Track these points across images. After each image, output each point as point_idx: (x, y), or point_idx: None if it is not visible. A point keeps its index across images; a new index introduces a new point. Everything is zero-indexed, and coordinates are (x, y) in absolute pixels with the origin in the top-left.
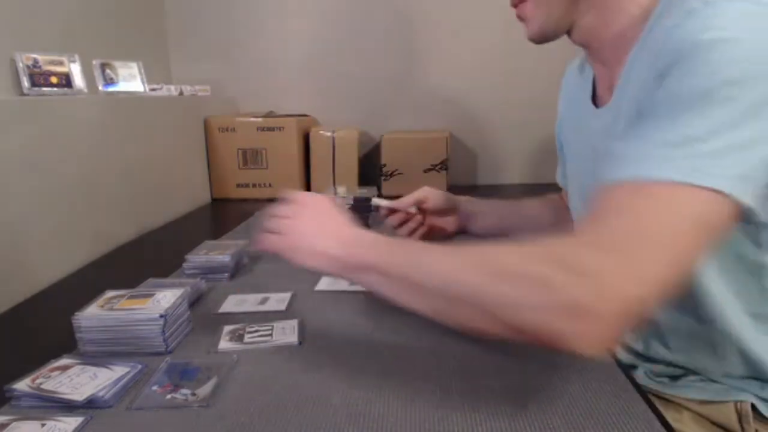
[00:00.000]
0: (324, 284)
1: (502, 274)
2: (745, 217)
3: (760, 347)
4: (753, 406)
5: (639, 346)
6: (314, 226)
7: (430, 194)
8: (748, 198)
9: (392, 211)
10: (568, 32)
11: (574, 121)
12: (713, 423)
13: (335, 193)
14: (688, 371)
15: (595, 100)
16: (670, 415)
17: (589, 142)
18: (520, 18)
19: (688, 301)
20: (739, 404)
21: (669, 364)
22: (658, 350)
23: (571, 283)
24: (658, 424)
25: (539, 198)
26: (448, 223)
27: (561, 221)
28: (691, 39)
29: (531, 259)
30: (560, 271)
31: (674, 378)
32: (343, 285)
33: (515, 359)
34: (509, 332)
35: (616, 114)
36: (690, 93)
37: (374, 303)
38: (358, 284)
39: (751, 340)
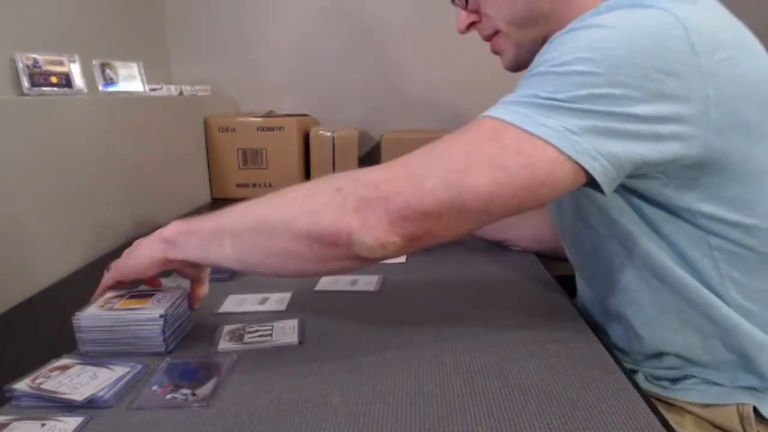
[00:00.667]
0: (324, 284)
1: (305, 195)
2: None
3: (730, 312)
4: (755, 409)
5: (621, 342)
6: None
7: None
8: (570, 150)
9: None
10: None
11: None
12: (715, 426)
13: None
14: (685, 365)
15: None
16: (672, 419)
17: None
18: (494, 52)
19: (639, 266)
20: (740, 407)
21: (654, 356)
22: (633, 343)
23: (358, 188)
24: (658, 425)
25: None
26: None
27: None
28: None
29: (331, 179)
30: (352, 182)
31: (674, 381)
32: (343, 285)
33: (515, 359)
34: (310, 245)
35: None
36: (547, 60)
37: (374, 303)
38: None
39: (719, 306)
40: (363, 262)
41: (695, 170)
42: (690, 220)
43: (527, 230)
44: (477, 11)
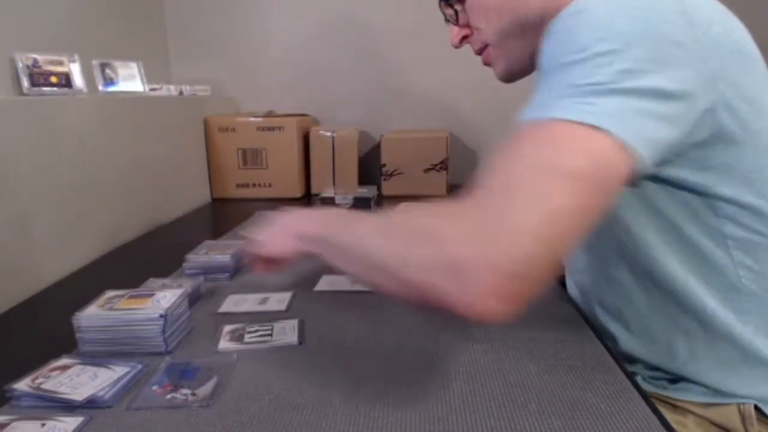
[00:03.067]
0: (324, 284)
1: (396, 232)
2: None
3: (727, 321)
4: (756, 408)
5: (611, 342)
6: (282, 220)
7: None
8: (625, 135)
9: None
10: (533, 69)
11: None
12: (716, 425)
13: (335, 193)
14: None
15: None
16: (674, 419)
17: None
18: (486, 64)
19: (640, 269)
20: (742, 406)
21: (639, 361)
22: (627, 343)
23: (455, 243)
24: (658, 425)
25: None
26: None
27: None
28: (558, 19)
29: (420, 217)
30: (445, 227)
31: (673, 381)
32: (343, 285)
33: (515, 359)
34: (406, 291)
35: None
36: (561, 56)
37: (374, 303)
38: (324, 258)
39: (716, 315)
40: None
41: (708, 148)
42: (705, 207)
43: None
44: (467, 25)
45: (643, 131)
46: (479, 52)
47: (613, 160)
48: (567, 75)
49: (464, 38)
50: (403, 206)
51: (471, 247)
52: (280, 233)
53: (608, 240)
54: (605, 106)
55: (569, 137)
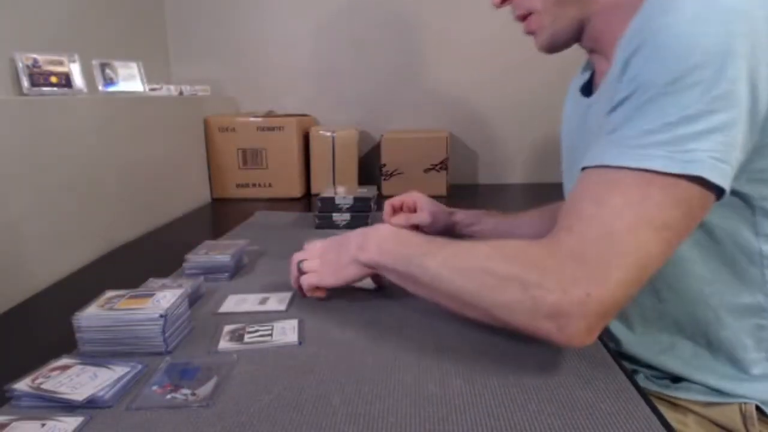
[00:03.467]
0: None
1: (493, 280)
2: (720, 199)
3: (731, 336)
4: (758, 408)
5: (613, 343)
6: (337, 243)
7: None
8: (718, 179)
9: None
10: (576, 41)
11: (571, 118)
12: (717, 425)
13: (335, 194)
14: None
15: (591, 93)
16: (675, 418)
17: (583, 134)
18: (528, 32)
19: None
20: (743, 406)
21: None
22: (629, 344)
23: (545, 292)
24: (658, 425)
25: (537, 211)
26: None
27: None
28: (650, 24)
29: (515, 265)
30: (536, 282)
31: (675, 380)
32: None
33: (516, 360)
34: (501, 325)
35: (604, 103)
36: (656, 79)
37: (374, 303)
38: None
39: (724, 329)
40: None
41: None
42: (748, 224)
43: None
44: None
45: (729, 166)
46: (521, 18)
47: (702, 202)
48: (656, 108)
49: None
50: (482, 244)
51: (573, 300)
52: (336, 261)
53: None
54: (696, 153)
55: (663, 188)
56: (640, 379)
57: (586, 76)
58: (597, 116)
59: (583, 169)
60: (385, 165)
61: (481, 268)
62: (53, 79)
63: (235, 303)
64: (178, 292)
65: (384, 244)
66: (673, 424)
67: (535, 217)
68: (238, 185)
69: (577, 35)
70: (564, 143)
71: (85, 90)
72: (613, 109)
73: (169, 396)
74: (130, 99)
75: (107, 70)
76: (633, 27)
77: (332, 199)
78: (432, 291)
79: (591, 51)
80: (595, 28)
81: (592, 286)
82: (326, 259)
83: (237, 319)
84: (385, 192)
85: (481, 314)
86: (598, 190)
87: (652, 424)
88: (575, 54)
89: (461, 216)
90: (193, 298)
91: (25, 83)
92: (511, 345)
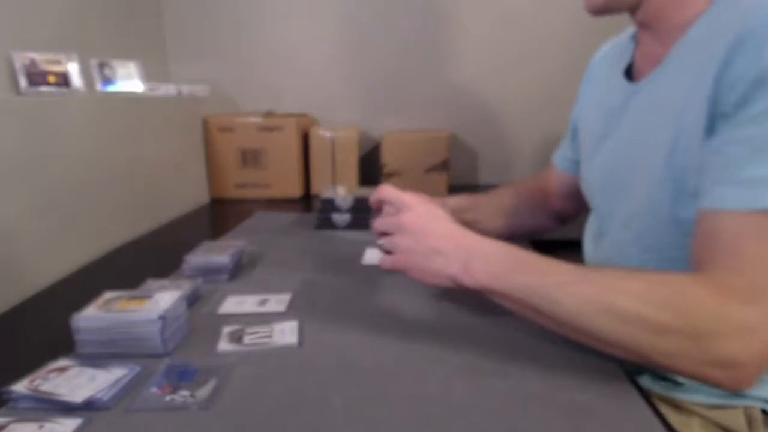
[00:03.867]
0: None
1: (653, 327)
2: None
3: None
4: (763, 411)
5: None
6: (431, 243)
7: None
8: None
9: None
10: (632, 10)
11: (599, 98)
12: (722, 428)
13: (335, 194)
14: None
15: (631, 76)
16: (679, 420)
17: (620, 117)
18: None
19: None
20: (748, 409)
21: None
22: None
23: (724, 340)
24: (661, 427)
25: (511, 187)
26: None
27: (537, 205)
28: (748, 17)
29: (677, 311)
30: (711, 325)
31: (679, 383)
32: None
33: (516, 360)
34: (654, 367)
35: (664, 91)
36: None
37: (375, 303)
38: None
39: None
40: None
41: None
42: None
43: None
44: None
45: None
46: None
47: None
48: None
49: None
50: (627, 278)
51: (749, 349)
52: (423, 265)
53: (680, 249)
54: None
55: None
56: (644, 381)
57: (626, 57)
58: (646, 107)
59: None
60: (385, 165)
61: (637, 315)
62: (51, 79)
63: (234, 304)
64: (177, 293)
65: (494, 266)
66: (677, 426)
67: (511, 195)
68: (237, 185)
69: (635, 4)
70: (587, 127)
71: (83, 89)
72: (735, 128)
73: (167, 398)
74: (129, 99)
75: (105, 70)
76: (716, 21)
77: (332, 199)
78: (561, 326)
79: (642, 26)
80: (654, 4)
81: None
82: (410, 256)
83: (236, 321)
84: None
85: (631, 355)
86: (759, 229)
87: (655, 428)
88: (578, 53)
89: (455, 202)
90: (192, 300)
91: (23, 83)
92: (514, 347)
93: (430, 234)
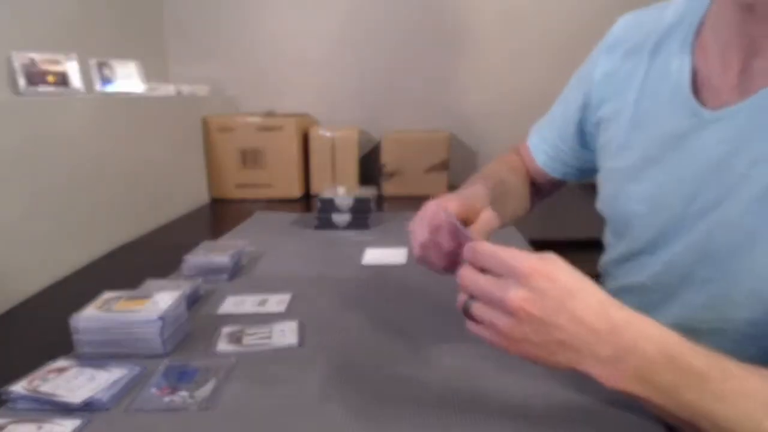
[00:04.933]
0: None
1: None
2: None
3: None
4: None
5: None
6: (557, 336)
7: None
8: None
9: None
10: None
11: (648, 111)
12: None
13: (335, 194)
14: None
15: (696, 92)
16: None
17: (685, 146)
18: None
19: None
20: None
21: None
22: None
23: None
24: (659, 426)
25: (512, 172)
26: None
27: (521, 183)
28: None
29: None
30: None
31: None
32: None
33: (515, 361)
34: None
35: (755, 126)
36: None
37: (374, 304)
38: None
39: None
40: None
41: None
42: None
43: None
44: None
45: None
46: None
47: None
48: None
49: None
50: None
51: None
52: (539, 350)
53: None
54: None
55: None
56: None
57: (685, 49)
58: (741, 141)
59: None
60: (385, 165)
61: None
62: (50, 79)
63: (234, 304)
64: (177, 293)
65: (651, 373)
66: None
67: (521, 179)
68: (237, 185)
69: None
70: (619, 136)
71: (82, 89)
72: None
73: (167, 398)
74: (128, 98)
75: (105, 70)
76: None
77: (332, 199)
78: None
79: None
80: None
81: None
82: (523, 345)
83: (236, 321)
84: (385, 192)
85: None
86: None
87: (653, 427)
88: (578, 52)
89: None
90: (192, 300)
91: (22, 83)
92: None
93: (556, 324)
